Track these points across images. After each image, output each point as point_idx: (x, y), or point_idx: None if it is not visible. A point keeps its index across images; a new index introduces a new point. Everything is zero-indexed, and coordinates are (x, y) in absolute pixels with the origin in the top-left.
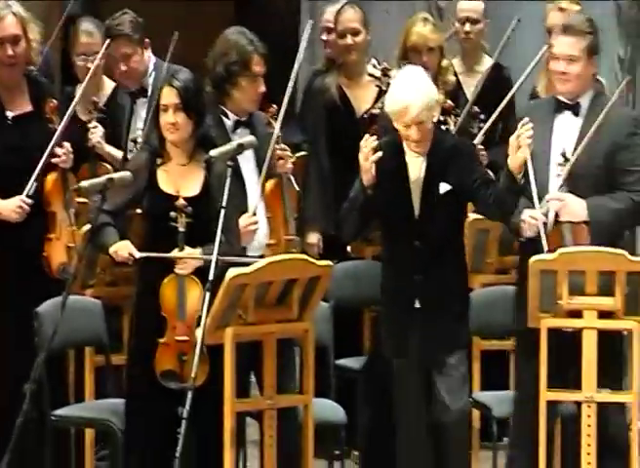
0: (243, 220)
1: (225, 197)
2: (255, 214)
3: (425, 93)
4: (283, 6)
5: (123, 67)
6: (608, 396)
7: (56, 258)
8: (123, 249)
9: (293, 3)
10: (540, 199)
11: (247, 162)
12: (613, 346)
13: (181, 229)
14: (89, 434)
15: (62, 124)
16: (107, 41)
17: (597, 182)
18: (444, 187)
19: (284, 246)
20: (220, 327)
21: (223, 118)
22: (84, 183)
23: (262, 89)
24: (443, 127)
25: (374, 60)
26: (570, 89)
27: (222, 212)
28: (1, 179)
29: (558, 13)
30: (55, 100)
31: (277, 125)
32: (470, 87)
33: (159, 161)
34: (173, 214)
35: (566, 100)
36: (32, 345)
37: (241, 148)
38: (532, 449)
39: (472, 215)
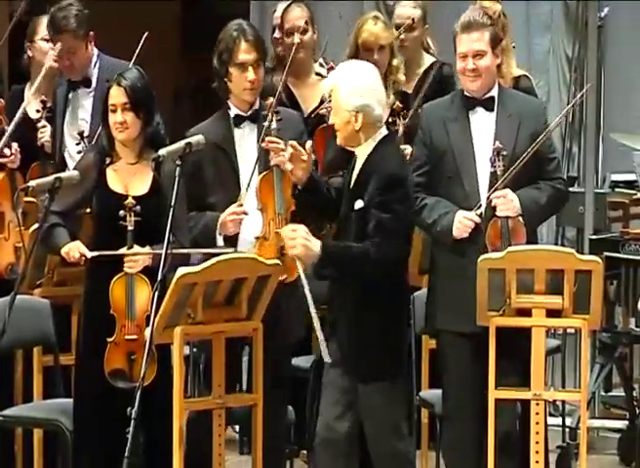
0: (229, 209)
1: (175, 196)
2: (242, 205)
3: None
4: (232, 6)
5: (67, 62)
6: (556, 394)
7: (3, 259)
8: (74, 249)
9: (242, 3)
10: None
11: (247, 153)
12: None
13: (130, 228)
14: (37, 434)
15: (12, 124)
16: (56, 38)
17: (522, 173)
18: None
19: (274, 239)
20: (169, 326)
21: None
22: (32, 183)
23: (251, 76)
24: (393, 128)
25: (321, 60)
26: (481, 84)
27: (172, 210)
28: None
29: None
30: (2, 100)
31: (268, 117)
32: (409, 88)
33: (108, 160)
34: (122, 212)
35: (476, 97)
36: None
37: (189, 147)
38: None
39: None
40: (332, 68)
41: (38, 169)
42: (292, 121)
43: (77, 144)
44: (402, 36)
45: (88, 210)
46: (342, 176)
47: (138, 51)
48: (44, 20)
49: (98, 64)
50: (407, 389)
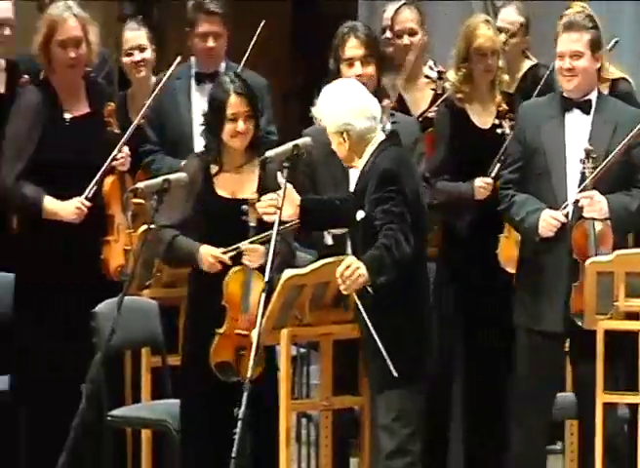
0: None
1: (282, 197)
2: None
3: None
4: (340, 6)
5: (212, 44)
6: None
7: (114, 261)
8: (214, 262)
9: (351, 3)
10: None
11: None
12: None
13: (253, 224)
14: (145, 434)
15: (130, 129)
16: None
17: (615, 179)
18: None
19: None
20: (276, 327)
21: None
22: (140, 185)
23: (358, 72)
24: (499, 131)
25: (430, 62)
26: (577, 85)
27: (280, 212)
28: (58, 180)
29: None
30: (113, 104)
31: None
32: (510, 89)
33: (214, 169)
34: (245, 207)
35: (573, 98)
36: (90, 346)
37: (296, 149)
38: None
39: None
40: (442, 72)
41: (147, 171)
42: (407, 126)
43: None
44: (503, 40)
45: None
46: (449, 180)
47: (255, 38)
48: (125, 35)
49: (226, 65)
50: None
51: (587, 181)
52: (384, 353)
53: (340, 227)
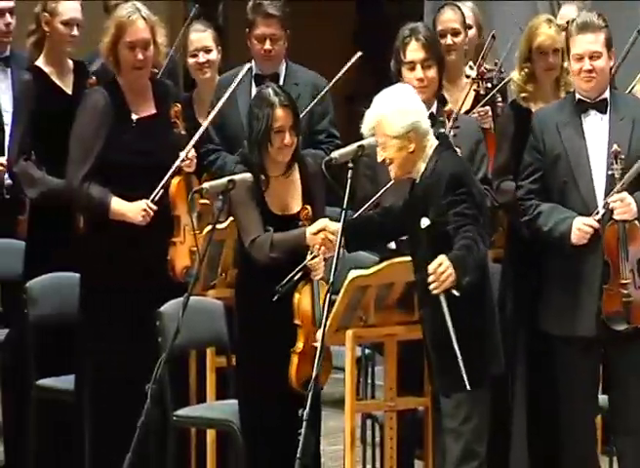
0: None
1: (346, 199)
2: None
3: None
4: (406, 6)
5: (270, 47)
6: None
7: (180, 262)
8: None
9: (417, 3)
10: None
11: None
12: None
13: None
14: (210, 434)
15: (199, 131)
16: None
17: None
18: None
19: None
20: (340, 328)
21: None
22: (206, 185)
23: (419, 75)
24: None
25: (470, 62)
26: (596, 85)
27: (344, 213)
28: (124, 181)
29: None
30: (179, 105)
31: (447, 125)
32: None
33: (263, 182)
34: (301, 223)
35: (589, 100)
36: (155, 346)
37: (361, 149)
38: None
39: None
40: (484, 73)
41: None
42: (469, 128)
43: None
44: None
45: None
46: (512, 180)
47: (344, 69)
48: (190, 36)
49: (285, 66)
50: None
51: (619, 185)
52: (460, 361)
53: (389, 241)
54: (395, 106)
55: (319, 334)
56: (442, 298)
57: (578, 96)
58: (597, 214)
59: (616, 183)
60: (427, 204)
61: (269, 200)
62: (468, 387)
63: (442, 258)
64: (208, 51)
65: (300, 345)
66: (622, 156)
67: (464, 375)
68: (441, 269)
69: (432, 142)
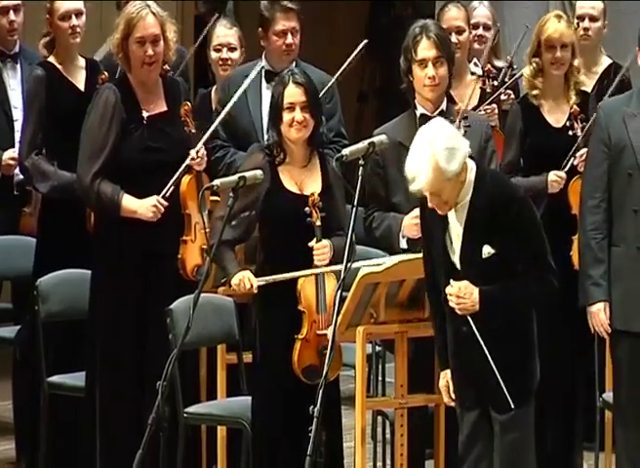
0: (414, 211)
1: (357, 195)
2: None
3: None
4: (418, 6)
5: (291, 40)
6: None
7: (190, 261)
8: (244, 280)
9: (429, 3)
10: None
11: None
12: None
13: (318, 224)
14: (221, 431)
15: (210, 129)
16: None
17: None
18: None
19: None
20: (351, 325)
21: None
22: (216, 182)
23: (430, 73)
24: (570, 132)
25: (475, 59)
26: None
27: (354, 210)
28: (135, 179)
29: None
30: (189, 103)
31: (455, 124)
32: (587, 88)
33: (278, 160)
34: (307, 209)
35: None
36: (166, 344)
37: (372, 146)
38: None
39: None
40: (490, 71)
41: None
42: (479, 125)
43: None
44: (586, 24)
45: None
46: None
47: (352, 57)
48: (216, 31)
49: (295, 64)
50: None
51: None
52: (502, 385)
53: None
54: (443, 144)
55: (330, 331)
56: (471, 321)
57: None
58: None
59: None
60: (484, 230)
61: (284, 176)
62: (512, 405)
63: (464, 284)
64: (232, 49)
65: (303, 331)
66: None
67: (508, 396)
68: (460, 293)
69: (471, 167)
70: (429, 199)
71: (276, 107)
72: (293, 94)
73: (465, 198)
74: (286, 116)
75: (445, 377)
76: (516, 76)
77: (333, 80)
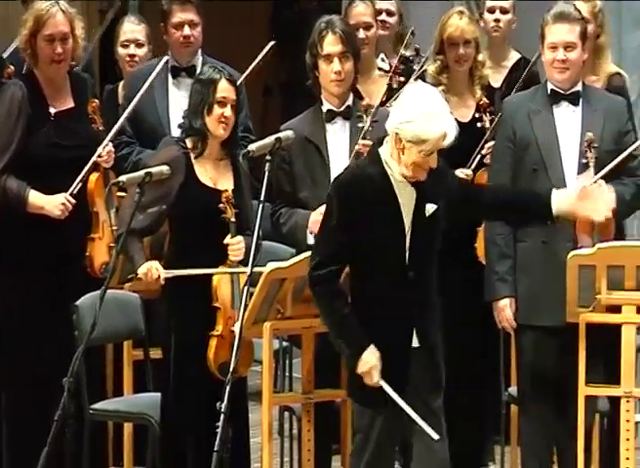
0: (321, 207)
1: (264, 192)
2: None
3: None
4: (324, 3)
5: (187, 31)
6: None
7: (98, 258)
8: (151, 270)
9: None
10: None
11: (338, 149)
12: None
13: (233, 219)
14: (127, 428)
15: (115, 127)
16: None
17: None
18: (428, 209)
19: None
20: (258, 321)
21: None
22: (123, 177)
23: (336, 68)
24: (479, 124)
25: (382, 55)
26: (569, 77)
27: (261, 205)
28: (42, 175)
29: None
30: (97, 100)
31: (364, 119)
32: (496, 82)
33: (193, 154)
34: (222, 205)
35: (562, 91)
36: (71, 340)
37: (279, 142)
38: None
39: None
40: (397, 67)
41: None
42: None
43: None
44: (497, 16)
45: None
46: None
47: (259, 58)
48: (124, 27)
49: (201, 58)
50: None
51: (598, 176)
52: (419, 421)
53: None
54: (438, 107)
55: (237, 327)
56: (383, 384)
57: (550, 86)
58: None
59: (595, 171)
60: (434, 193)
61: (199, 170)
62: (436, 437)
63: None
64: (139, 45)
65: (218, 328)
66: (596, 145)
67: (429, 430)
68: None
69: None
70: (430, 162)
71: (207, 99)
72: (226, 89)
73: None
74: (217, 110)
75: (368, 364)
76: (424, 67)
77: (242, 78)
